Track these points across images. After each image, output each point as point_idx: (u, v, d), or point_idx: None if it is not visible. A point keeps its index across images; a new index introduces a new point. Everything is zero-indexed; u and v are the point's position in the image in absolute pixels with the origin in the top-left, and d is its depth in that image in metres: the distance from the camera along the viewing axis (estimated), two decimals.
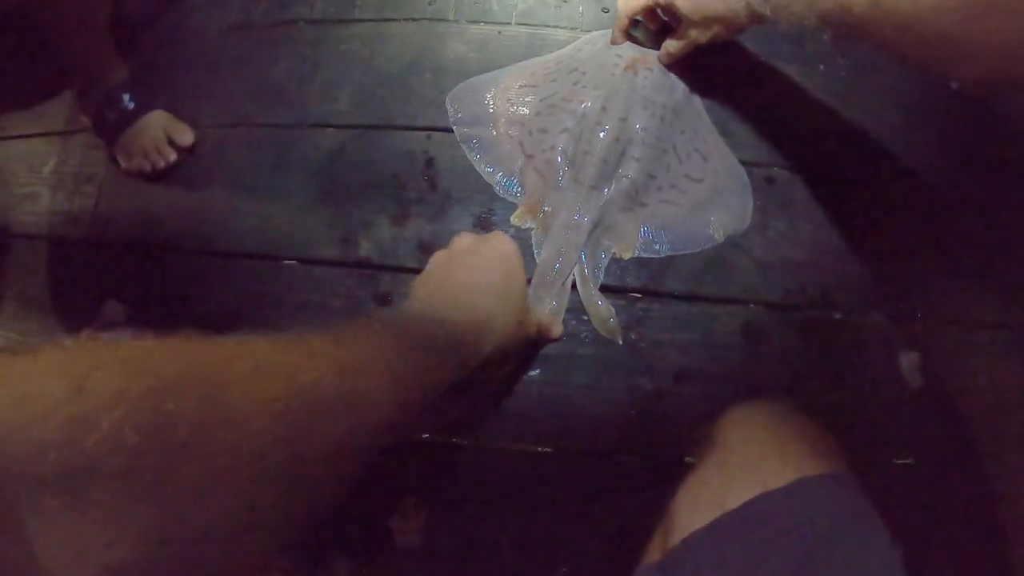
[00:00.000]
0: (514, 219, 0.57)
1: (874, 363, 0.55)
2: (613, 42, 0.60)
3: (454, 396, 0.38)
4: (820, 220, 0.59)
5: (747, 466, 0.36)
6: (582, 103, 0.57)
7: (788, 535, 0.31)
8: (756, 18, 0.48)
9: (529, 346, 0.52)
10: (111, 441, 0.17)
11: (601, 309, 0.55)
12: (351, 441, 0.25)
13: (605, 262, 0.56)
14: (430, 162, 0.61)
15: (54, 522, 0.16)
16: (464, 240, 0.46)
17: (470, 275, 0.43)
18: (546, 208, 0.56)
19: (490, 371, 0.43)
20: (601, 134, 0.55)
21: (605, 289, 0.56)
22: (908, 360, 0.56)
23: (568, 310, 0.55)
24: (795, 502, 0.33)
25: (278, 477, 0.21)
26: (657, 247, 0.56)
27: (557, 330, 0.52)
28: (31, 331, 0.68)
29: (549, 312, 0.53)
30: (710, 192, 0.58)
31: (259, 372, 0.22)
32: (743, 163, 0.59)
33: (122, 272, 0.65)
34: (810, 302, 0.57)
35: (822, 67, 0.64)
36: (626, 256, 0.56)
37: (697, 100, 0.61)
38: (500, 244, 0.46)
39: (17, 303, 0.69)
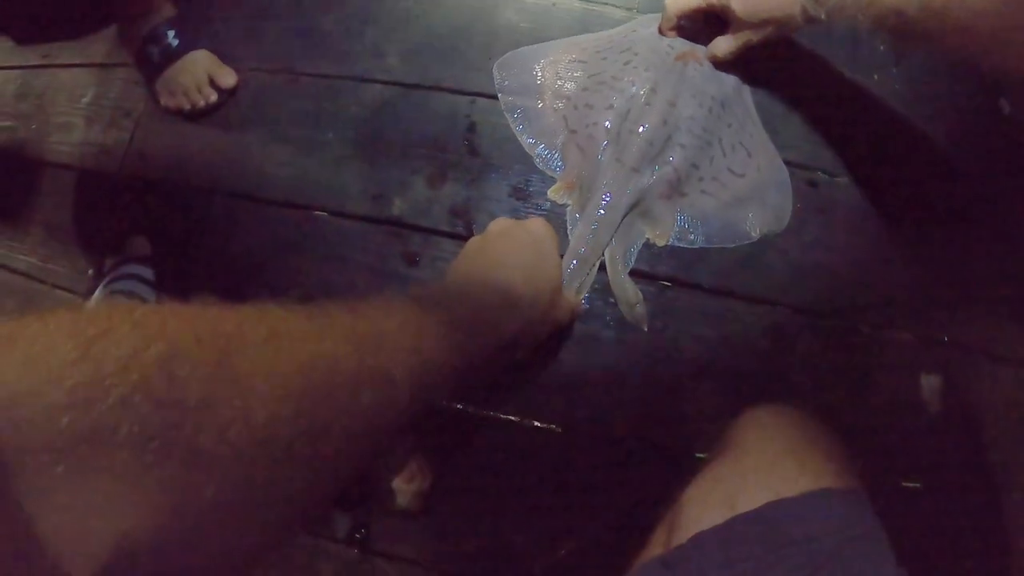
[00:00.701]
0: (551, 193, 0.56)
1: (895, 382, 0.54)
2: (661, 33, 0.59)
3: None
4: (858, 230, 0.58)
5: (761, 469, 0.36)
6: (631, 83, 0.56)
7: (797, 546, 0.31)
8: (810, 20, 0.48)
9: (559, 329, 0.51)
10: (121, 406, 0.16)
11: (629, 293, 0.54)
12: (370, 415, 0.25)
13: (638, 246, 0.55)
14: (472, 127, 0.60)
15: (62, 490, 0.15)
16: (500, 223, 0.46)
17: (501, 256, 0.43)
18: (584, 185, 0.55)
19: (516, 351, 0.43)
20: (649, 116, 0.54)
21: (635, 274, 0.55)
22: (929, 383, 0.55)
23: (595, 291, 0.55)
24: (807, 514, 0.32)
25: (293, 448, 0.20)
26: (692, 238, 0.56)
27: (576, 308, 0.52)
28: (54, 258, 0.68)
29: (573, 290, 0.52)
30: (751, 188, 0.57)
31: (275, 340, 0.22)
32: (787, 163, 0.58)
33: (151, 208, 0.65)
34: (839, 311, 0.55)
35: (876, 76, 0.62)
36: (660, 243, 0.55)
37: (747, 94, 0.60)
38: (535, 227, 0.46)
39: (44, 230, 0.69)
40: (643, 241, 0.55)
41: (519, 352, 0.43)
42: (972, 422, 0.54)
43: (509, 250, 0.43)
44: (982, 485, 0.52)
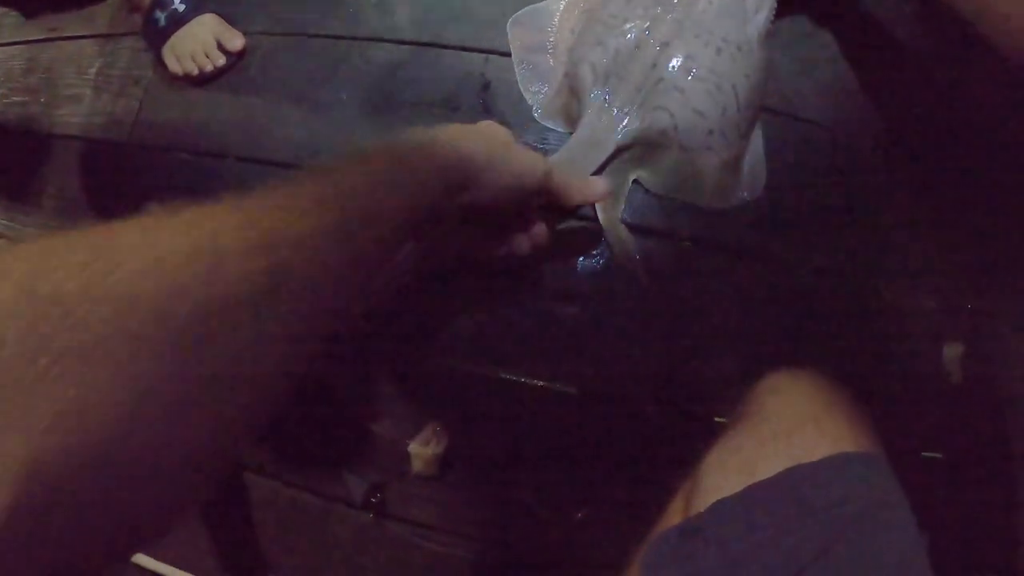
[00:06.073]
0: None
1: (917, 349, 0.53)
2: None
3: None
4: (881, 194, 0.56)
5: (780, 436, 0.35)
6: (627, 22, 0.52)
7: (817, 513, 0.30)
8: None
9: (553, 205, 0.46)
10: (4, 314, 0.16)
11: (623, 235, 0.52)
12: (263, 280, 0.23)
13: (626, 188, 0.53)
14: (486, 86, 0.59)
15: None
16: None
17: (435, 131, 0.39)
18: (574, 121, 0.53)
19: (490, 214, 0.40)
20: (637, 57, 0.50)
21: (653, 232, 0.54)
22: (952, 352, 0.53)
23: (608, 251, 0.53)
24: (826, 479, 0.32)
25: (185, 323, 0.19)
26: (682, 194, 0.53)
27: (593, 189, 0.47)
28: (67, 229, 0.68)
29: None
30: (749, 153, 0.54)
31: (152, 229, 0.21)
32: (809, 121, 0.56)
33: (162, 176, 0.65)
34: (863, 276, 0.54)
35: (900, 33, 0.60)
36: (651, 189, 0.53)
37: (766, 49, 0.55)
38: (482, 123, 0.43)
39: (56, 201, 0.69)
40: (631, 182, 0.53)
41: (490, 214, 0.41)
42: (994, 392, 0.52)
43: (438, 131, 0.39)
44: (1004, 456, 0.51)
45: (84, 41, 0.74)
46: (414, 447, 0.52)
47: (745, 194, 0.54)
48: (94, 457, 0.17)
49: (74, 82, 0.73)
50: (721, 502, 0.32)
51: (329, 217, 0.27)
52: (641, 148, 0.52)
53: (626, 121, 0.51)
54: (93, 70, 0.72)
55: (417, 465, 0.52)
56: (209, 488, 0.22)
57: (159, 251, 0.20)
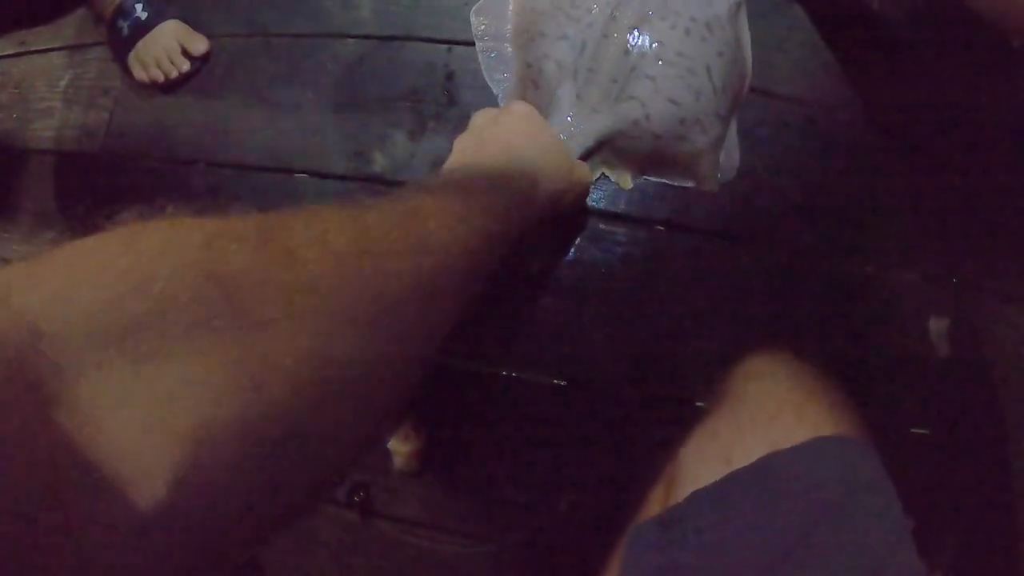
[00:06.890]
0: None
1: (903, 324, 0.52)
2: None
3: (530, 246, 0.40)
4: (861, 167, 0.55)
5: (758, 422, 0.34)
6: (590, 9, 0.50)
7: (796, 499, 0.29)
8: None
9: (584, 193, 0.51)
10: (174, 284, 0.16)
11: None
12: (430, 281, 0.24)
13: (596, 176, 0.53)
14: (450, 76, 0.58)
15: (132, 383, 0.14)
16: (481, 114, 0.47)
17: (507, 136, 0.44)
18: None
19: (558, 217, 0.44)
20: (607, 47, 0.49)
21: (628, 219, 0.53)
22: (938, 326, 0.52)
23: (586, 239, 0.53)
24: (806, 464, 0.31)
25: (359, 313, 0.20)
26: (654, 179, 0.53)
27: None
28: (45, 244, 0.68)
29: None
30: (729, 135, 0.52)
31: (318, 220, 0.21)
32: (784, 98, 0.55)
33: (136, 185, 0.64)
34: (843, 252, 0.53)
35: (876, 4, 0.59)
36: (625, 187, 0.52)
37: (744, 22, 0.54)
38: (518, 107, 0.47)
39: (33, 217, 0.69)
40: (598, 175, 0.53)
41: (558, 214, 0.45)
42: (983, 365, 0.51)
43: (511, 130, 0.44)
44: (994, 431, 0.50)
45: (53, 54, 0.74)
46: (394, 444, 0.52)
47: (720, 176, 0.53)
48: (263, 428, 0.17)
49: (46, 95, 0.72)
50: (699, 492, 0.32)
51: (480, 217, 0.30)
52: (617, 144, 0.51)
53: (597, 119, 0.50)
54: (63, 82, 0.71)
55: (398, 462, 0.52)
56: (351, 468, 0.23)
57: (329, 237, 0.21)
